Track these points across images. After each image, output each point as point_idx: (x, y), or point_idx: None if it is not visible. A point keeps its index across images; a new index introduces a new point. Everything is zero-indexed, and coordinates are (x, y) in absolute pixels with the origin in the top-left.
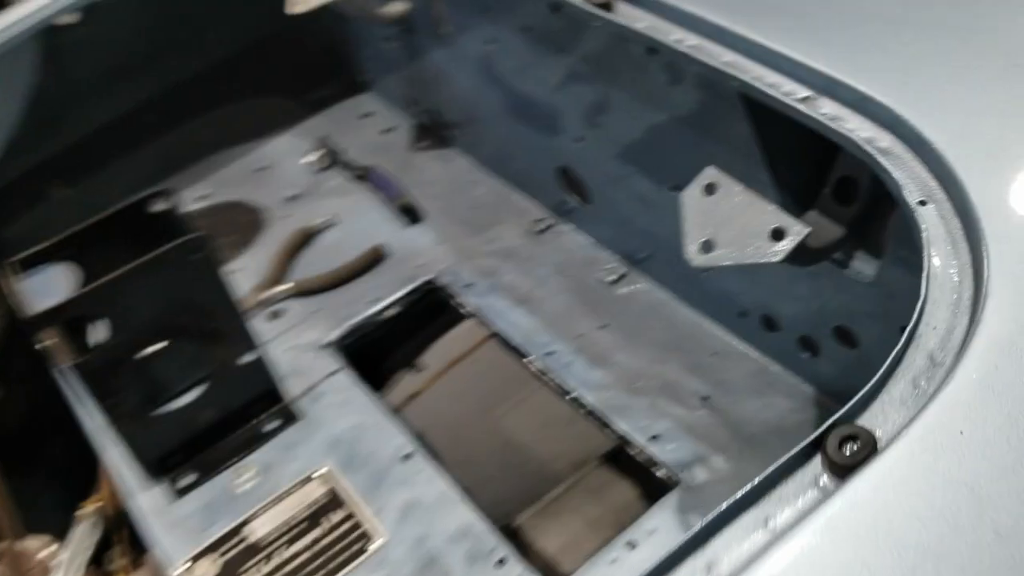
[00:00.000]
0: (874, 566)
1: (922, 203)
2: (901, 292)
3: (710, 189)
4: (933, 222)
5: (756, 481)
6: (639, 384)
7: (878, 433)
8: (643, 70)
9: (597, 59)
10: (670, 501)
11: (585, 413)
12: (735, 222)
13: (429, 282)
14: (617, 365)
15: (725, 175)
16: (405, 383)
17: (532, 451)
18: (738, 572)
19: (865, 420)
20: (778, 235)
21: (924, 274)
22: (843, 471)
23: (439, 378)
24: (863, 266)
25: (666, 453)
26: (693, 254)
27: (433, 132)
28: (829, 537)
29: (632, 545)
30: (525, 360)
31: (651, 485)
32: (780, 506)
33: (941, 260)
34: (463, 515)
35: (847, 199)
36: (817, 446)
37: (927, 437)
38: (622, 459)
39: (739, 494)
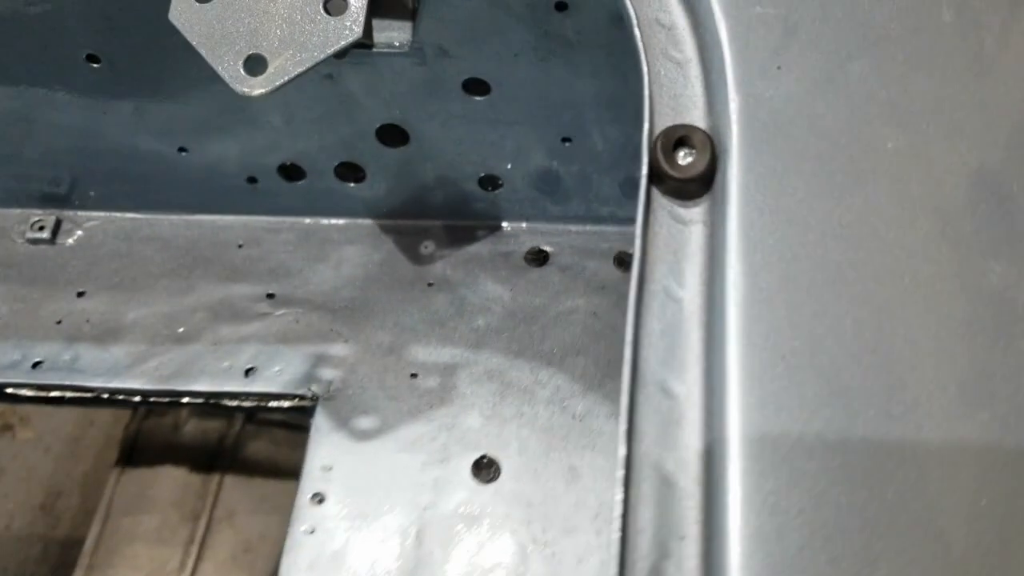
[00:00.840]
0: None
1: None
2: (446, 37)
3: None
4: None
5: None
6: (183, 329)
7: (700, 125)
8: None
9: None
10: (321, 425)
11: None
12: (266, 9)
13: None
14: (135, 327)
15: None
16: None
17: None
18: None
19: (668, 120)
20: (337, 7)
21: None
22: (700, 183)
23: None
24: (390, 34)
25: (276, 380)
26: (242, 83)
27: None
28: (759, 258)
29: (320, 498)
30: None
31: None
32: (671, 269)
33: None
34: None
35: None
36: (651, 178)
37: (753, 99)
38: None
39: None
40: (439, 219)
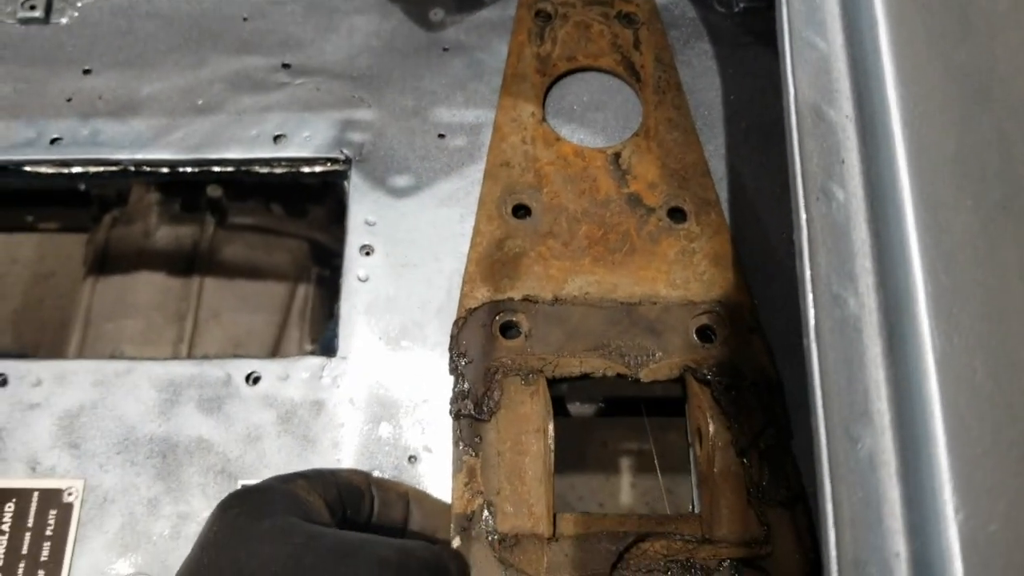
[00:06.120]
0: None
1: None
2: None
3: None
4: None
5: None
6: (203, 101)
7: None
8: None
9: None
10: (359, 184)
11: None
12: None
13: None
14: (152, 101)
15: None
16: None
17: None
18: None
19: None
20: None
21: None
22: None
23: None
24: None
25: (307, 144)
26: None
27: None
28: None
29: (367, 250)
30: None
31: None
32: None
33: None
34: None
35: None
36: None
37: None
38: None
39: None
40: None
